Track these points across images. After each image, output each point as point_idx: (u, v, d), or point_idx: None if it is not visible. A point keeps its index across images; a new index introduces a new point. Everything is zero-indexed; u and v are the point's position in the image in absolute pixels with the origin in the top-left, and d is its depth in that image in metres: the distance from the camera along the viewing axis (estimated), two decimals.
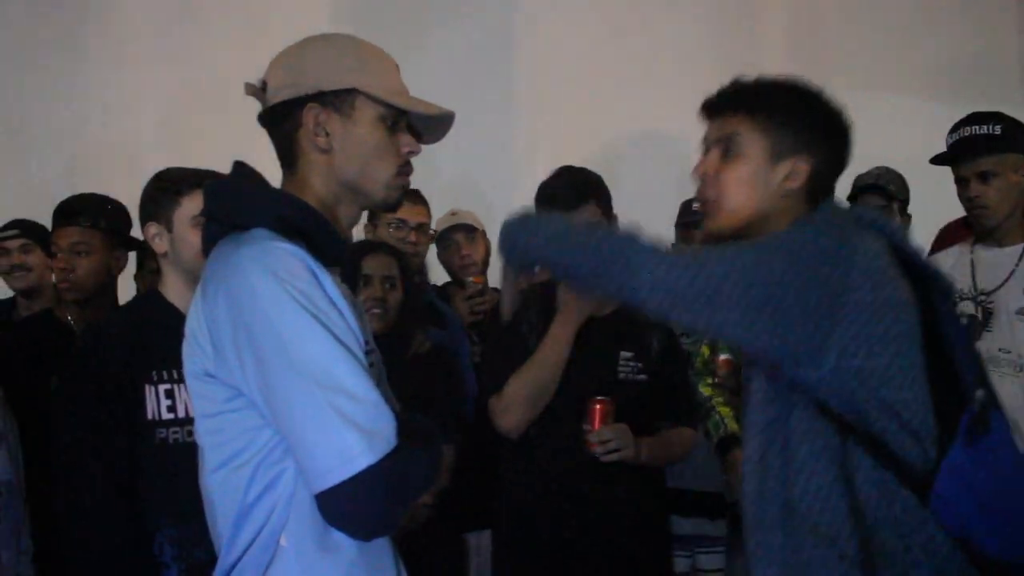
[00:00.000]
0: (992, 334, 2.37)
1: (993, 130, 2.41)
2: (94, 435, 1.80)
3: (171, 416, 1.81)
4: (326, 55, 1.31)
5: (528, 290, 2.40)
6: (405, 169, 1.34)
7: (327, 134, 1.29)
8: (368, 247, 2.37)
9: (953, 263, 2.47)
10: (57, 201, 2.65)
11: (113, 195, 2.68)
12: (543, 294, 2.22)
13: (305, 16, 3.43)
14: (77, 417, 1.83)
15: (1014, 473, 1.31)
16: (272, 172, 1.35)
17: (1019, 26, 4.28)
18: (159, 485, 1.78)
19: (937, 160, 2.49)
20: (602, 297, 2.09)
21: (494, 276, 3.07)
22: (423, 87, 1.40)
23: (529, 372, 2.11)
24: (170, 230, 1.92)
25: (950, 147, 2.47)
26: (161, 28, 3.86)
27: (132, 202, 2.66)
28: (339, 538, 1.19)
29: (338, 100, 1.29)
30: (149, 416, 1.81)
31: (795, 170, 1.40)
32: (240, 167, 1.33)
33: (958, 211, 2.61)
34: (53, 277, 2.79)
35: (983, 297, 2.42)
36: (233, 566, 1.22)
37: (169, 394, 1.82)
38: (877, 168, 2.95)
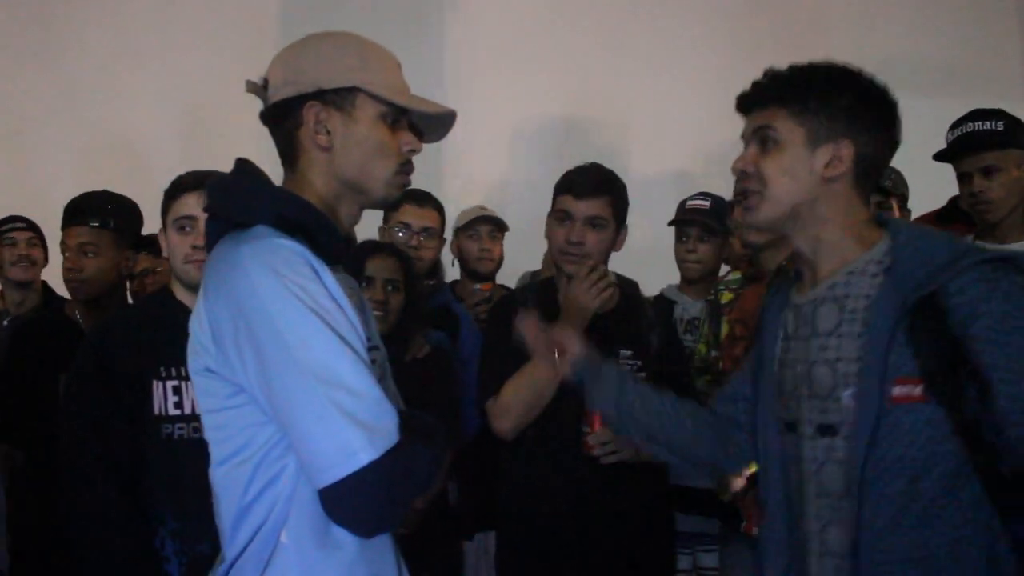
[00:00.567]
0: None
1: (996, 126, 2.41)
2: (99, 430, 1.81)
3: (177, 412, 1.82)
4: (327, 52, 1.30)
5: (527, 290, 2.40)
6: (406, 167, 1.34)
7: (328, 132, 1.29)
8: (373, 248, 2.35)
9: None
10: (59, 200, 2.66)
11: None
12: (543, 295, 2.22)
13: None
14: (82, 412, 1.84)
15: None
16: (281, 171, 1.36)
17: (1019, 26, 4.28)
18: (163, 480, 1.79)
19: (940, 156, 2.49)
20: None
21: (497, 278, 3.08)
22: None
23: (527, 376, 2.09)
24: (166, 233, 1.94)
25: (952, 143, 2.47)
26: (164, 26, 3.88)
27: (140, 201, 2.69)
28: (340, 535, 1.18)
29: (339, 98, 1.28)
30: (156, 411, 1.82)
31: (837, 155, 1.37)
32: (242, 164, 1.33)
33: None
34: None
35: None
36: (234, 562, 1.22)
37: (176, 390, 1.82)
38: None
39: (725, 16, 4.07)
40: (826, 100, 1.38)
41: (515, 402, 2.10)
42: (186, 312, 1.76)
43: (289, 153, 1.33)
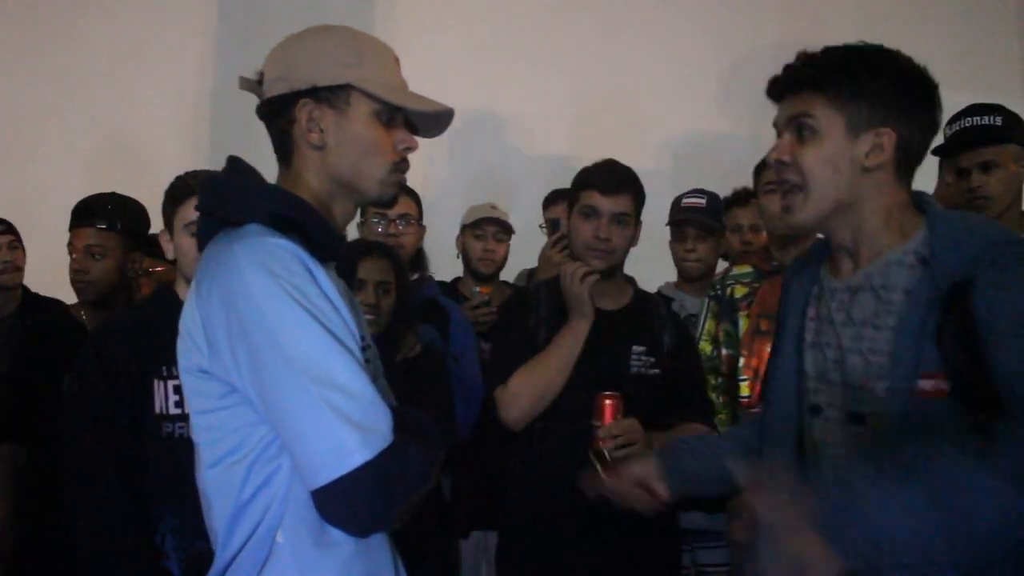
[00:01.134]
0: None
1: (994, 121, 2.40)
2: (100, 429, 1.82)
3: (178, 411, 1.83)
4: (322, 48, 1.29)
5: (536, 284, 2.39)
6: (401, 166, 1.33)
7: (321, 130, 1.28)
8: (364, 249, 2.32)
9: None
10: (61, 201, 2.67)
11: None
12: (552, 287, 2.21)
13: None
14: (84, 411, 1.85)
15: None
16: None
17: (1019, 25, 4.27)
18: (164, 478, 1.80)
19: (938, 151, 2.49)
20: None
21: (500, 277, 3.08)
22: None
23: (539, 365, 2.09)
24: (172, 236, 1.94)
25: (950, 138, 2.46)
26: (167, 26, 3.88)
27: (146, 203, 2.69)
28: (336, 535, 1.18)
29: (332, 95, 1.27)
30: (157, 410, 1.83)
31: (879, 143, 1.32)
32: (235, 162, 1.31)
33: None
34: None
35: None
36: (229, 563, 1.21)
37: (177, 389, 1.84)
38: None
39: (724, 14, 4.06)
40: (866, 85, 1.31)
41: (525, 392, 2.09)
42: None
43: (283, 150, 1.32)
